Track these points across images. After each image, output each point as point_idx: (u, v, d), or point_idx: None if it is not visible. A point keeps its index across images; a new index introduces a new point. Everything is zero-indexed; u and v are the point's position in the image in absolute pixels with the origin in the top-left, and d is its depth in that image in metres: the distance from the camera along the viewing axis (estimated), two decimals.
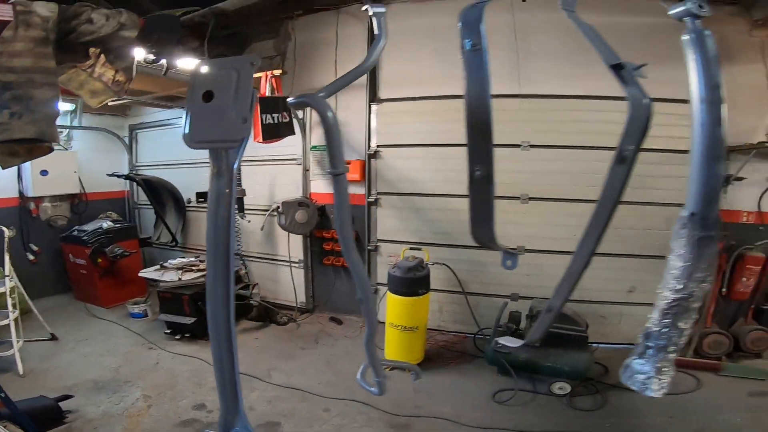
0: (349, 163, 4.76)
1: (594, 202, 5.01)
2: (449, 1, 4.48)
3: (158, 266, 4.92)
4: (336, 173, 1.39)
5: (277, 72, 4.48)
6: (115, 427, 3.11)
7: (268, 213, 5.13)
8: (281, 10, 4.78)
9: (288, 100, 1.56)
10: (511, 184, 4.35)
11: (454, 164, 4.61)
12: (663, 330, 1.35)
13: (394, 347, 4.00)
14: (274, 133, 4.26)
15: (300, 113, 5.00)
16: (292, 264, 5.13)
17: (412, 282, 3.77)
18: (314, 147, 5.06)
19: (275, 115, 4.26)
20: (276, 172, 5.24)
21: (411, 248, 4.32)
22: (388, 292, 3.93)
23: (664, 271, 1.39)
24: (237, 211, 4.96)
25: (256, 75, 4.76)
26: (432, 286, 4.08)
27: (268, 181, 5.27)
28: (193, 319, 4.40)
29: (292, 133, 4.54)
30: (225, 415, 1.26)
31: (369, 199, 4.86)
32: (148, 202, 5.92)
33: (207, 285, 1.19)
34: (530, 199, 4.38)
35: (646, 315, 1.10)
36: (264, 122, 4.15)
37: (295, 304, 5.23)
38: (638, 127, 1.49)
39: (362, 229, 4.91)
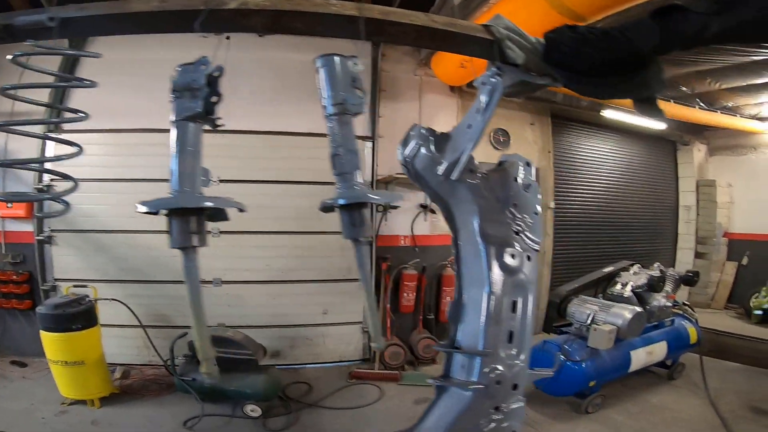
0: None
1: (284, 233, 5.31)
2: (159, 36, 4.35)
3: None
4: None
5: None
6: None
7: None
8: None
9: None
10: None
11: (142, 199, 4.46)
12: None
13: (65, 383, 3.75)
14: None
15: None
16: None
17: (62, 318, 3.56)
18: None
19: None
20: None
21: (75, 285, 4.01)
22: (41, 330, 3.62)
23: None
24: None
25: None
26: (120, 322, 4.08)
27: None
28: None
29: None
30: None
31: (39, 237, 4.33)
32: None
33: None
34: (222, 232, 4.49)
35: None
36: None
37: None
38: None
39: (34, 268, 4.37)
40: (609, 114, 6.28)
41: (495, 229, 1.54)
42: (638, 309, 3.93)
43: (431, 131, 1.55)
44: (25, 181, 4.35)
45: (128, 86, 4.35)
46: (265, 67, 4.63)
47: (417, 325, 5.11)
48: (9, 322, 4.60)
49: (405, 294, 4.92)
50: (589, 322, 3.91)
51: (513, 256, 1.51)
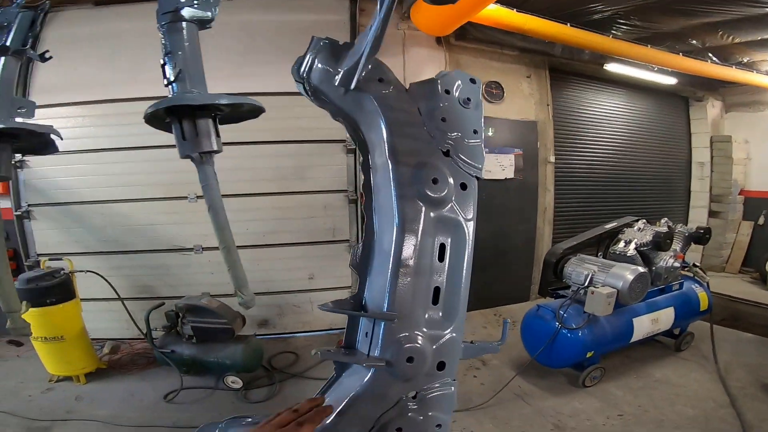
0: None
1: (262, 195, 5.08)
2: (121, 7, 4.25)
3: None
4: None
5: None
6: None
7: None
8: None
9: None
10: (174, 184, 4.29)
11: (119, 169, 4.34)
12: None
13: (49, 360, 3.73)
14: None
15: None
16: None
17: (36, 292, 3.45)
18: None
19: None
20: None
21: (51, 259, 3.92)
22: None
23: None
24: None
25: None
26: (105, 296, 3.96)
27: None
28: None
29: None
30: None
31: (18, 213, 4.23)
32: None
33: None
34: (198, 197, 4.37)
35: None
36: None
37: None
38: None
39: (17, 245, 4.26)
40: (613, 68, 5.85)
41: (409, 145, 1.16)
42: (641, 269, 3.55)
43: (331, 41, 1.24)
44: None
45: (94, 58, 4.24)
46: (234, 28, 4.38)
47: None
48: None
49: None
50: (586, 284, 3.58)
51: (435, 181, 1.13)
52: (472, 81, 1.33)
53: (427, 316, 1.15)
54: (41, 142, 1.80)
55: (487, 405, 3.27)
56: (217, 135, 1.80)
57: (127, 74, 4.14)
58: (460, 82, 1.30)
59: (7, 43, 2.04)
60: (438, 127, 1.21)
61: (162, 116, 1.82)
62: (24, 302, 1.99)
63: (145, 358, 4.23)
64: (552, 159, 5.73)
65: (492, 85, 5.33)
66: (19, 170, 4.23)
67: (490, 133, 5.20)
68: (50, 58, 2.25)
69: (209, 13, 1.91)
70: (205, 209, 4.27)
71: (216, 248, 4.36)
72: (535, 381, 3.62)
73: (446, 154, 1.20)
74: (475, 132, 1.25)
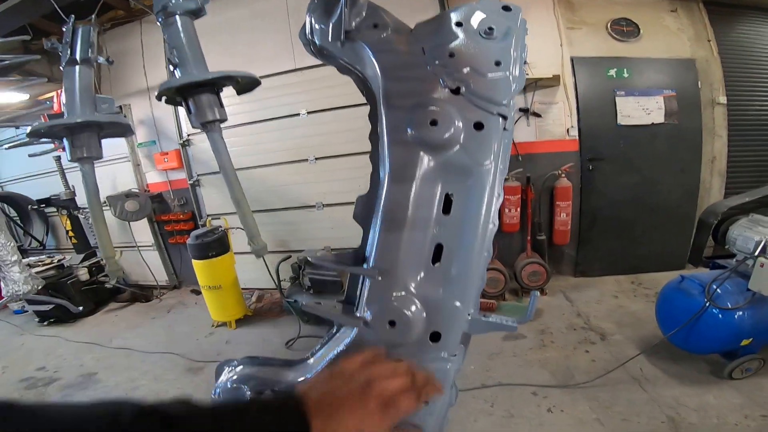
0: (166, 154, 5.23)
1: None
2: None
3: None
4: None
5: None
6: None
7: None
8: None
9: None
10: (297, 149, 4.78)
11: (255, 139, 5.07)
12: None
13: (212, 307, 4.55)
14: None
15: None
16: (140, 247, 5.73)
17: (202, 247, 4.23)
18: (140, 144, 5.54)
19: None
20: (113, 171, 5.70)
21: (212, 218, 4.84)
22: (192, 259, 4.41)
23: None
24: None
25: (49, 94, 5.12)
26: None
27: (107, 180, 5.72)
28: (50, 306, 5.06)
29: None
30: None
31: (191, 182, 5.35)
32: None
33: None
34: (317, 159, 4.81)
35: None
36: None
37: (155, 284, 5.87)
38: None
39: (193, 208, 5.43)
40: None
41: (405, 87, 1.04)
42: None
43: None
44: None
45: (220, 46, 4.68)
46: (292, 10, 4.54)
47: (525, 248, 4.54)
48: (185, 257, 5.62)
49: (506, 210, 4.30)
50: (757, 252, 2.70)
51: (434, 122, 0.99)
52: (506, 8, 1.11)
53: (422, 275, 1.04)
54: (121, 129, 2.26)
55: (591, 384, 2.88)
56: (220, 106, 1.97)
57: (245, 57, 4.69)
58: (481, 12, 1.10)
59: (76, 56, 2.51)
60: (444, 64, 1.06)
61: (174, 96, 2.05)
62: (118, 250, 2.61)
63: (278, 307, 4.87)
64: (722, 100, 4.45)
65: (620, 22, 4.42)
66: (187, 147, 5.32)
67: (625, 75, 4.40)
68: (113, 62, 3.03)
69: (195, 4, 2.03)
70: (324, 169, 4.67)
71: (335, 204, 4.91)
72: (665, 365, 3.00)
73: (456, 92, 1.05)
74: (498, 63, 1.06)
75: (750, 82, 4.66)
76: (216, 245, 4.29)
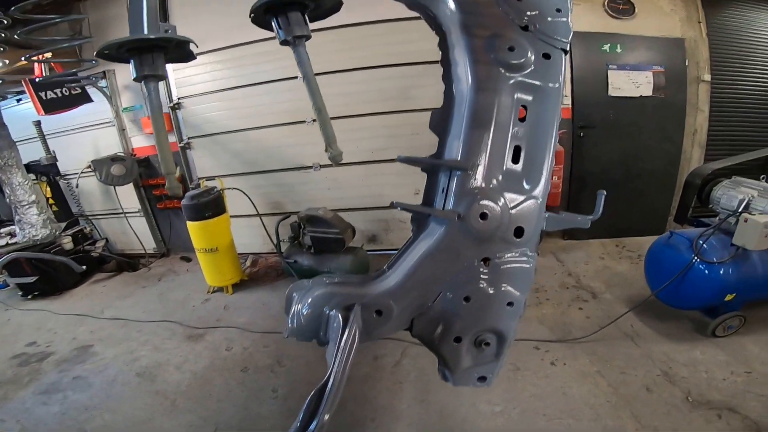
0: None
1: (371, 115, 5.22)
2: None
3: None
4: None
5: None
6: None
7: (79, 173, 5.43)
8: None
9: None
10: (296, 111, 4.71)
11: (250, 102, 4.94)
12: None
13: (208, 272, 4.47)
14: (59, 105, 4.70)
15: (103, 82, 5.19)
16: (126, 214, 5.55)
17: (198, 207, 4.14)
18: (125, 108, 5.32)
19: (57, 90, 4.67)
20: (96, 136, 5.46)
21: (207, 180, 4.75)
22: (186, 221, 4.30)
23: None
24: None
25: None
26: (246, 212, 4.70)
27: (90, 145, 5.49)
28: (35, 277, 4.85)
29: (88, 101, 4.97)
30: None
31: (181, 145, 5.20)
32: None
33: None
34: (313, 120, 4.74)
35: None
36: (44, 98, 4.54)
37: (144, 251, 5.71)
38: None
39: (184, 170, 5.30)
40: None
41: (482, 21, 1.16)
42: None
43: None
44: None
45: (219, 15, 4.64)
46: None
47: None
48: (175, 222, 5.62)
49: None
50: (740, 210, 2.92)
51: (512, 48, 1.12)
52: None
53: (505, 171, 1.14)
54: (183, 53, 2.19)
55: (588, 339, 3.07)
56: (306, 24, 2.04)
57: (243, 18, 4.51)
58: None
59: None
60: (512, 5, 1.18)
61: (262, 17, 2.09)
62: (178, 166, 2.53)
63: (275, 271, 4.87)
64: (707, 78, 4.73)
65: (617, 0, 4.61)
66: (177, 111, 5.14)
67: (618, 50, 4.62)
68: None
69: None
70: (318, 130, 4.54)
71: (331, 165, 4.89)
72: (653, 323, 3.21)
73: (525, 28, 1.17)
74: (559, 10, 1.20)
75: (734, 62, 4.93)
76: (212, 206, 4.21)
